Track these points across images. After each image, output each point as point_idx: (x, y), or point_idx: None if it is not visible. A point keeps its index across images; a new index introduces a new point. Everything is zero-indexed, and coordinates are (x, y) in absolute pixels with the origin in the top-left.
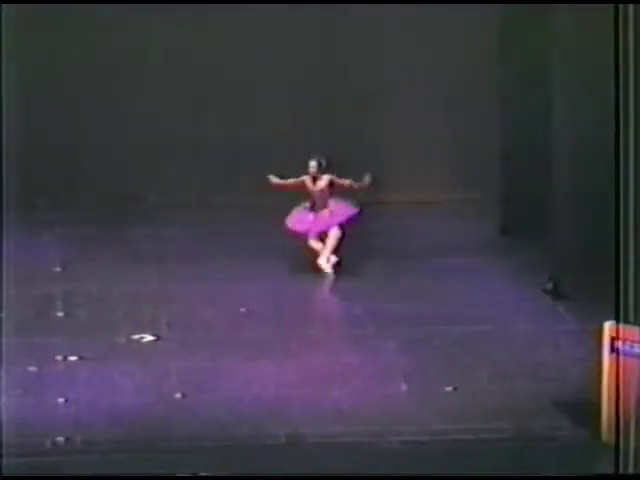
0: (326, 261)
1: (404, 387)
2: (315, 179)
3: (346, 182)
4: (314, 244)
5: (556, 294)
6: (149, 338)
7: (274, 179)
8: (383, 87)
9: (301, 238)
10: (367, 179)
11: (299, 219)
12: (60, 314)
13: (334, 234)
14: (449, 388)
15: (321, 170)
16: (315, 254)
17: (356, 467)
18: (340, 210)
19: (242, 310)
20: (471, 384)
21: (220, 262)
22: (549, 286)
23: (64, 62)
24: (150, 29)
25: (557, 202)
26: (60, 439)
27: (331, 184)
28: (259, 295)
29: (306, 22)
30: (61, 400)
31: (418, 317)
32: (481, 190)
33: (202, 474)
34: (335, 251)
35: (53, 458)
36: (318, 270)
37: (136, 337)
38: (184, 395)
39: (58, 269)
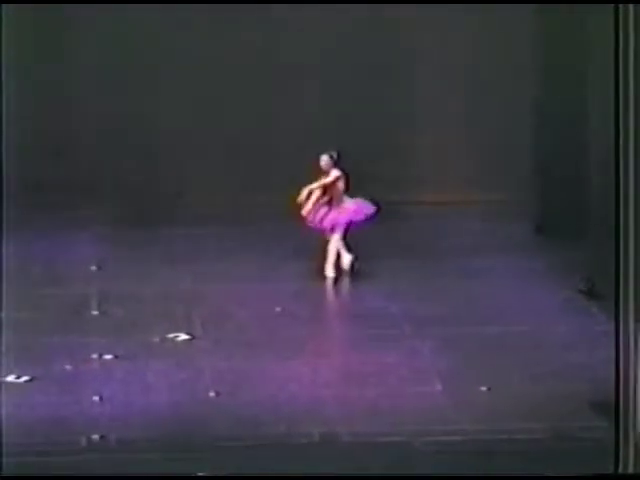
0: (331, 266)
1: (439, 387)
2: (328, 173)
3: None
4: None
5: (591, 294)
6: (183, 337)
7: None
8: (418, 86)
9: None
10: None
11: (316, 214)
12: (95, 313)
13: (333, 241)
14: (484, 388)
15: (333, 162)
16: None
17: (390, 467)
18: (354, 208)
19: (277, 310)
20: (506, 384)
21: (253, 261)
22: (584, 286)
23: (93, 60)
24: (180, 28)
25: (592, 201)
26: (95, 437)
27: (339, 179)
28: (293, 295)
29: (334, 20)
30: (96, 398)
31: (453, 317)
32: (516, 190)
33: (202, 474)
34: (348, 250)
35: (88, 456)
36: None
37: (170, 336)
38: (218, 394)
39: (94, 268)
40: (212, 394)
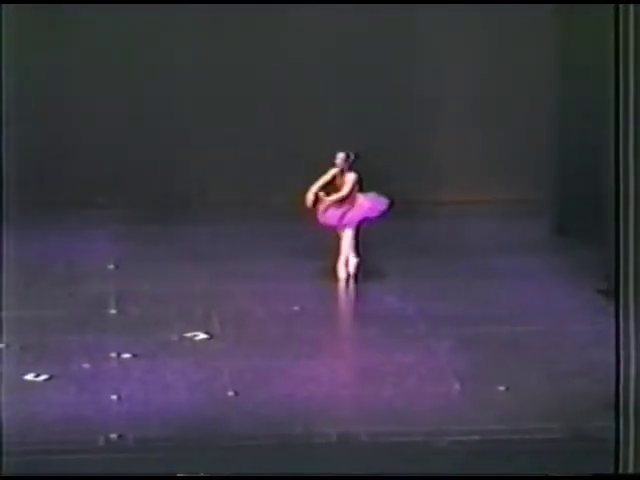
0: (344, 265)
1: (457, 387)
2: (342, 172)
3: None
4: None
5: (610, 294)
6: (202, 336)
7: (313, 193)
8: (439, 87)
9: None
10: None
11: (330, 214)
12: (113, 312)
13: (346, 240)
14: (502, 388)
15: (349, 162)
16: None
17: (408, 467)
18: (369, 205)
19: (295, 309)
20: (524, 384)
21: (270, 260)
22: (603, 286)
23: (93, 60)
24: (180, 28)
25: (610, 202)
26: (113, 436)
27: (356, 183)
28: (311, 294)
29: (355, 21)
30: (114, 397)
31: (471, 317)
32: (536, 190)
33: (202, 474)
34: (356, 251)
35: (106, 455)
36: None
37: (189, 335)
38: (237, 393)
39: (112, 267)
40: (230, 393)
